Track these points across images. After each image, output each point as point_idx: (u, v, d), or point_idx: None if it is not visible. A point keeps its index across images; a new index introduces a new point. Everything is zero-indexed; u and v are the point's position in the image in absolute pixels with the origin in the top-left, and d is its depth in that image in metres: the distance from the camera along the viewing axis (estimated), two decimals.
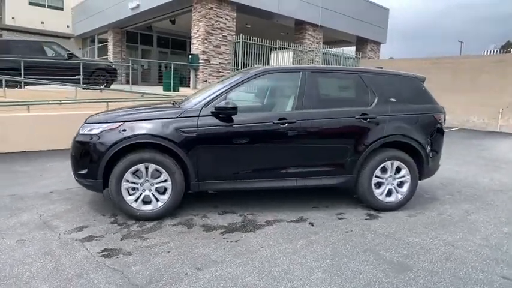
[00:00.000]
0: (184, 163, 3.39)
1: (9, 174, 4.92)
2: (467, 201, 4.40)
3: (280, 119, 3.53)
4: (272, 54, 16.09)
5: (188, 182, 3.48)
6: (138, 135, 3.30)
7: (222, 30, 13.87)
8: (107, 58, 20.42)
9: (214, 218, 3.55)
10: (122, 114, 3.49)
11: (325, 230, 3.36)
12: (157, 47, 22.29)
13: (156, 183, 3.40)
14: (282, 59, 16.19)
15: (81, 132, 3.48)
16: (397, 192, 3.92)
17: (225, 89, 3.58)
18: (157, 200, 3.42)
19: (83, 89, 10.62)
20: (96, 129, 3.37)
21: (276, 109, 3.95)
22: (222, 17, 13.76)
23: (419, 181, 4.00)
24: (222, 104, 3.38)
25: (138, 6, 16.09)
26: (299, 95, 3.67)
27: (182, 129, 3.36)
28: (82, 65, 11.31)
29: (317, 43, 17.74)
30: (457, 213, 3.94)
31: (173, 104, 3.76)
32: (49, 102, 7.35)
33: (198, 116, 3.42)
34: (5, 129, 5.96)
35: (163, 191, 3.44)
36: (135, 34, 21.17)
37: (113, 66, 12.96)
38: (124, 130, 3.31)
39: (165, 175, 3.38)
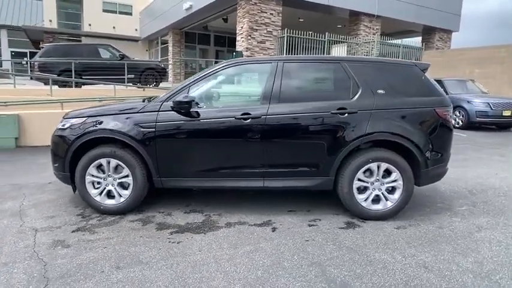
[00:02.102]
0: (144, 159, 3.34)
1: (28, 165, 5.42)
2: (488, 214, 3.64)
3: (243, 114, 3.28)
4: (333, 48, 15.47)
5: (151, 178, 3.42)
6: (97, 130, 3.34)
7: (266, 26, 13.69)
8: (167, 58, 21.65)
9: (177, 216, 3.45)
10: (89, 110, 3.57)
11: (284, 236, 3.03)
12: (214, 45, 22.98)
13: (119, 178, 3.41)
14: (335, 52, 15.47)
15: (57, 127, 3.64)
16: (386, 199, 3.39)
17: (188, 82, 3.44)
18: (120, 195, 3.42)
19: (138, 87, 11.34)
20: (67, 124, 3.50)
21: (243, 103, 3.69)
22: (266, 12, 13.58)
23: (429, 185, 3.42)
24: (179, 98, 3.24)
25: (191, 6, 16.71)
26: (268, 88, 3.36)
27: (141, 124, 3.31)
28: (133, 65, 12.14)
29: (374, 34, 16.53)
30: (463, 228, 3.27)
31: (144, 100, 3.72)
32: (87, 99, 7.96)
33: (158, 111, 3.34)
34: (40, 125, 6.60)
35: (126, 186, 3.43)
36: (193, 34, 22.07)
37: (163, 66, 13.64)
38: (86, 125, 3.37)
39: (126, 170, 3.38)
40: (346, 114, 3.28)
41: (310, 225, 3.28)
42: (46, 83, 11.80)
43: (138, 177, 3.38)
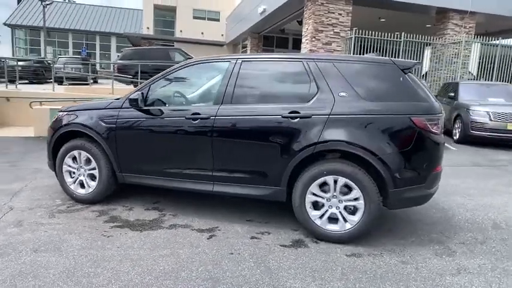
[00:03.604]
0: (106, 153, 3.50)
1: None
2: (491, 256, 2.85)
3: (193, 114, 3.19)
4: (426, 50, 14.07)
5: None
6: (71, 123, 3.62)
7: (333, 27, 13.05)
8: None
9: (135, 212, 3.52)
10: (74, 105, 3.89)
11: (212, 246, 2.85)
12: (292, 48, 22.87)
13: (88, 170, 3.64)
14: (427, 55, 14.01)
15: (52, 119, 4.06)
16: (345, 220, 2.91)
17: (149, 80, 3.49)
18: (88, 185, 3.65)
19: None
20: (57, 117, 3.88)
21: (198, 103, 3.55)
22: (334, 13, 12.95)
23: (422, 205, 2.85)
24: (132, 95, 3.32)
25: (264, 10, 16.95)
26: (222, 88, 3.20)
27: (104, 120, 3.48)
28: None
29: (466, 33, 14.38)
30: (437, 268, 2.62)
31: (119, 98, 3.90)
32: None
33: (120, 108, 3.46)
34: None
35: (95, 178, 3.64)
36: (271, 38, 22.35)
37: None
38: (66, 119, 3.69)
39: (94, 163, 3.59)
40: (298, 119, 2.92)
41: (252, 238, 3.02)
42: (127, 83, 13.32)
43: (103, 170, 3.56)
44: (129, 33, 26.67)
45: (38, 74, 16.32)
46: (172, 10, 27.32)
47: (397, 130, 2.78)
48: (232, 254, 2.73)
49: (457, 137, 8.85)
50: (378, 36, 12.85)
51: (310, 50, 13.04)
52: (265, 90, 3.20)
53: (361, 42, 12.84)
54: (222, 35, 27.45)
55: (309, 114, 2.90)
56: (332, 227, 2.94)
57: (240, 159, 3.12)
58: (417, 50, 13.44)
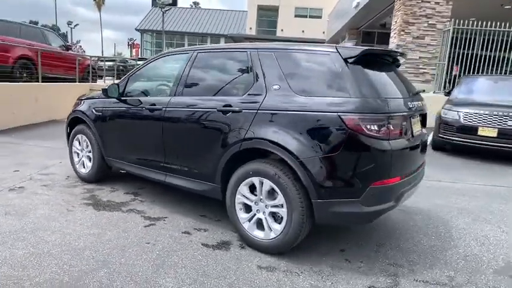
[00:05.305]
0: (96, 138, 3.91)
1: None
2: None
3: (151, 105, 3.30)
4: None
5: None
6: (76, 110, 4.14)
7: (428, 18, 11.41)
8: None
9: (116, 194, 3.83)
10: (87, 94, 4.43)
11: (139, 234, 2.92)
12: None
13: (87, 152, 4.12)
14: None
15: None
16: (270, 228, 2.61)
17: (130, 72, 3.73)
18: (87, 166, 4.14)
19: None
20: (74, 105, 4.49)
21: (159, 94, 3.56)
22: (429, 2, 11.30)
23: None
24: (104, 86, 3.60)
25: (358, 4, 15.92)
26: (177, 80, 3.23)
27: (96, 108, 3.89)
28: None
29: None
30: None
31: None
32: None
33: (106, 97, 3.80)
34: None
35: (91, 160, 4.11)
36: (372, 33, 20.81)
37: None
38: (77, 106, 4.24)
39: (90, 146, 4.05)
40: (230, 113, 2.73)
41: (184, 232, 2.98)
42: None
43: (96, 154, 3.98)
44: (233, 34, 28.49)
45: None
46: (275, 10, 27.99)
47: (324, 130, 2.34)
48: (148, 243, 2.76)
49: None
50: (485, 26, 10.72)
51: (398, 45, 11.71)
52: (212, 82, 3.09)
53: (462, 34, 10.92)
54: (324, 32, 26.83)
55: (239, 109, 2.69)
56: (257, 234, 2.68)
57: (185, 151, 3.11)
58: None
